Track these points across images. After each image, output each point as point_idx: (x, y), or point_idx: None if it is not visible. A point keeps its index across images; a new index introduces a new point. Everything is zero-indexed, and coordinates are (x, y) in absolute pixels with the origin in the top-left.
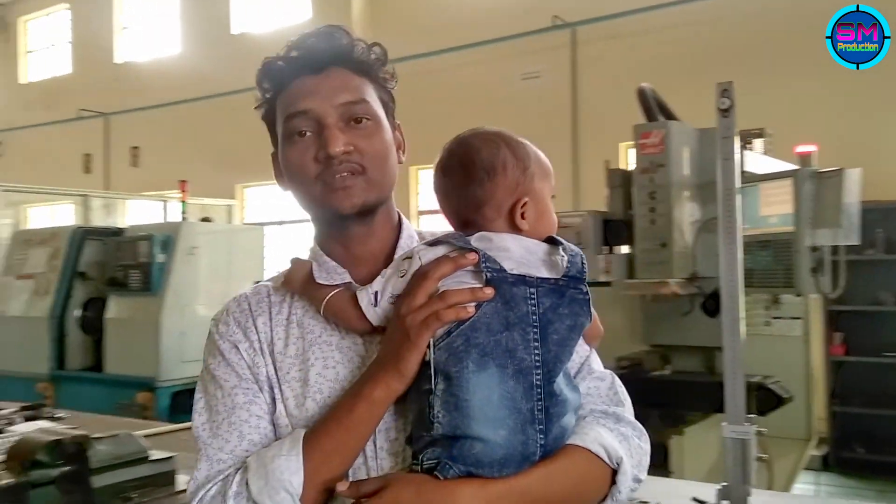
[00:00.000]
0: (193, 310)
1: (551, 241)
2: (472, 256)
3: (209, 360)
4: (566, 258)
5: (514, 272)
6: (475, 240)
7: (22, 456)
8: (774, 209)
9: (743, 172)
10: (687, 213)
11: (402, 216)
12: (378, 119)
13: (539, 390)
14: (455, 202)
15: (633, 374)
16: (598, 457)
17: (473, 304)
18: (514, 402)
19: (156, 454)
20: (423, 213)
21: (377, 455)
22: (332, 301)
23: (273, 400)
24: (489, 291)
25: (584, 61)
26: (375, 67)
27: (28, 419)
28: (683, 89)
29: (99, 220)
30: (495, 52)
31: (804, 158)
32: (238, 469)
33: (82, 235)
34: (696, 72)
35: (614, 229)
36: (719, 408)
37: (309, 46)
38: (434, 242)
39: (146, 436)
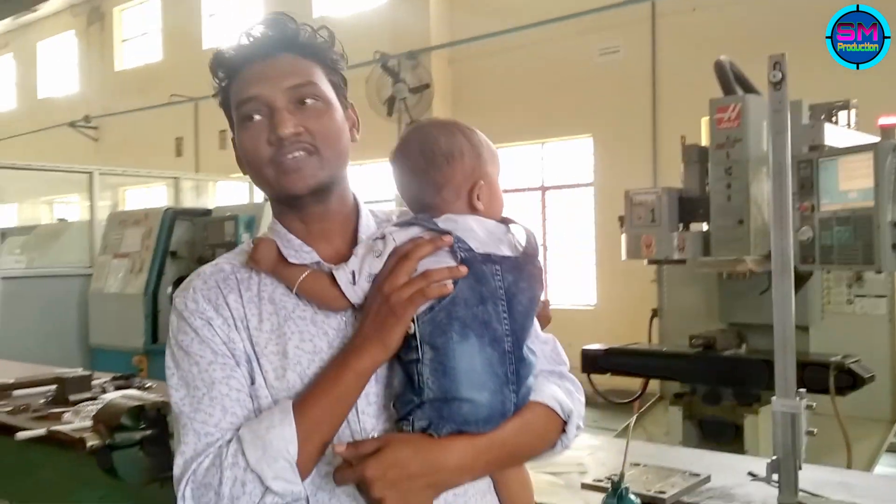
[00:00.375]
0: None
1: (503, 221)
2: (449, 239)
3: (179, 336)
4: (523, 237)
5: (481, 251)
6: (442, 221)
7: (107, 420)
8: (855, 183)
9: (823, 146)
10: (765, 188)
11: (356, 195)
12: (327, 100)
13: (511, 356)
14: (416, 186)
15: (706, 353)
16: (553, 410)
17: (451, 280)
18: (492, 368)
19: None
20: None
21: (359, 418)
22: (308, 281)
23: (251, 373)
24: (464, 270)
25: (665, 35)
26: (323, 50)
27: (119, 388)
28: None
29: (189, 202)
30: (573, 27)
31: (886, 131)
32: (229, 441)
33: (173, 216)
34: (779, 43)
35: (689, 206)
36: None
37: (257, 34)
38: (405, 224)
39: None
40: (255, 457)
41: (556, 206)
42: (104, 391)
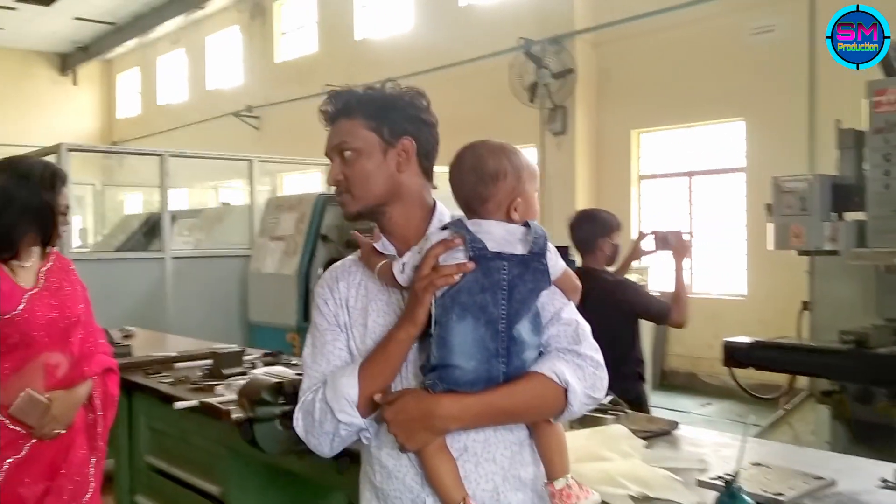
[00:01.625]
0: None
1: (526, 224)
2: (458, 241)
3: (314, 310)
4: (533, 238)
5: (493, 249)
6: (471, 224)
7: (250, 395)
8: None
9: None
10: None
11: (439, 204)
12: (359, 150)
13: (503, 335)
14: (466, 195)
15: (858, 350)
16: (550, 379)
17: (460, 273)
18: (483, 342)
19: None
20: (644, 178)
21: (408, 377)
22: (382, 268)
23: (348, 338)
24: (471, 265)
25: (824, 11)
26: (365, 106)
27: (267, 364)
28: None
29: None
30: (724, 5)
31: None
32: (325, 383)
33: (324, 201)
34: None
35: (844, 194)
36: None
37: (326, 109)
38: (444, 227)
39: None
40: (330, 395)
41: (704, 192)
42: (254, 366)
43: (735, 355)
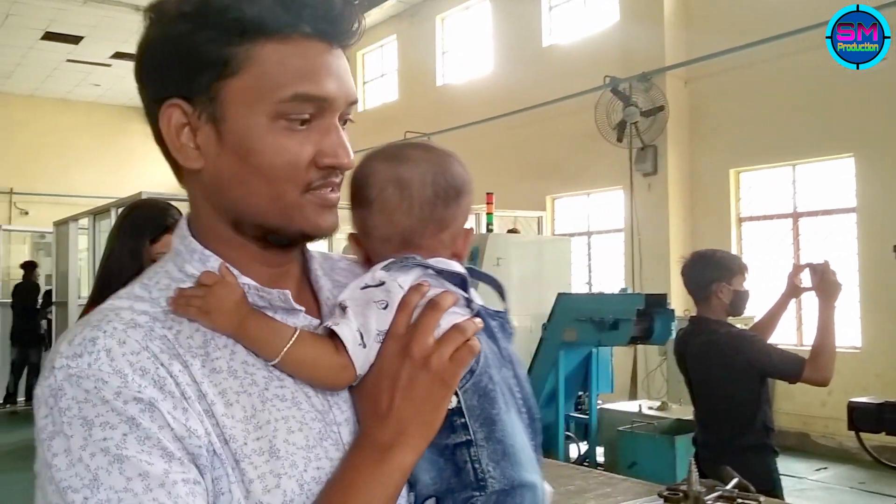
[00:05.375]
0: None
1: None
2: (453, 296)
3: (101, 433)
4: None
5: (479, 303)
6: (443, 264)
7: None
8: None
9: None
10: None
11: None
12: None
13: (531, 429)
14: (411, 221)
15: None
16: None
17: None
18: (529, 444)
19: None
20: (744, 220)
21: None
22: (301, 345)
23: (217, 486)
24: (480, 323)
25: None
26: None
27: None
28: None
29: None
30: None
31: None
32: None
33: None
34: None
35: None
36: None
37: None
38: (401, 266)
39: None
40: None
41: (811, 234)
42: None
43: (861, 418)
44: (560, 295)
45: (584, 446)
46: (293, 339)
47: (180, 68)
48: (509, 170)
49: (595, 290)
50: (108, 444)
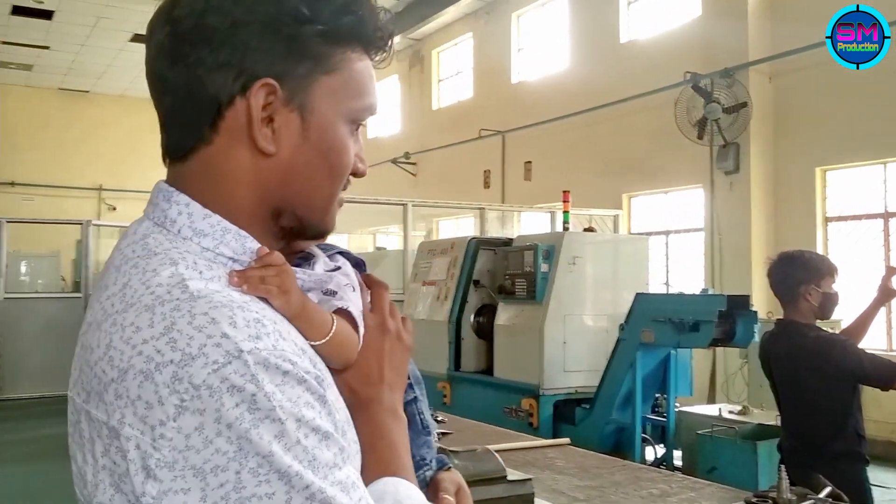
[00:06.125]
0: (578, 319)
1: None
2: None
3: (304, 412)
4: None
5: None
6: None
7: None
8: None
9: None
10: None
11: None
12: None
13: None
14: None
15: None
16: None
17: None
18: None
19: (514, 475)
20: (830, 220)
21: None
22: (341, 326)
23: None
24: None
25: None
26: None
27: None
28: None
29: (494, 231)
30: None
31: None
32: None
33: (476, 246)
34: None
35: None
36: None
37: (386, 28)
38: (330, 251)
39: (512, 450)
40: None
41: None
42: None
43: None
44: (638, 295)
45: (660, 449)
46: (336, 320)
47: (283, 53)
48: (585, 167)
49: (673, 290)
50: (317, 423)
